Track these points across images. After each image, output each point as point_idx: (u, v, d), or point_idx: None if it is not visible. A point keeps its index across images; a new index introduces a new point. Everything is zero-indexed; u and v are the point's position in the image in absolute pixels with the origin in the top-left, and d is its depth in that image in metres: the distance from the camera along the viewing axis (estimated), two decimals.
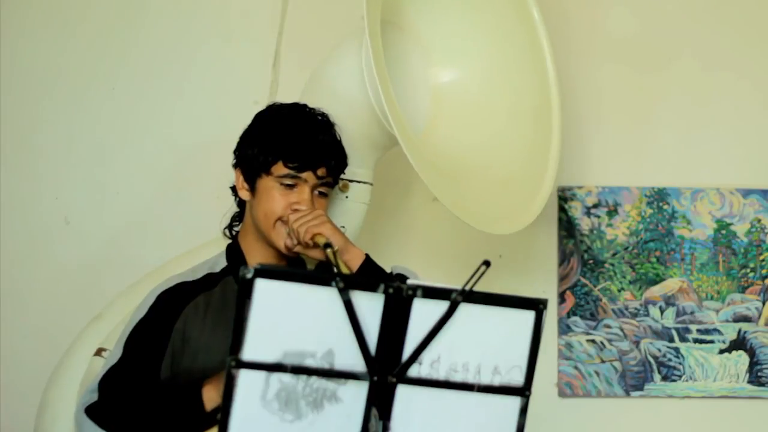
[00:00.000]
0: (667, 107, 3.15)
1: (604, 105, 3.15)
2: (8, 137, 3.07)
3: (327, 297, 1.63)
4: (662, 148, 3.15)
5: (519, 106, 2.65)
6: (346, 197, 2.43)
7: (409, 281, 1.67)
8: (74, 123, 3.09)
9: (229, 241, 2.31)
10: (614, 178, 3.14)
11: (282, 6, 3.09)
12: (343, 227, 2.40)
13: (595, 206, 3.12)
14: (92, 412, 2.10)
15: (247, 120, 2.29)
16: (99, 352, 2.44)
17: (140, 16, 3.11)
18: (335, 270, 2.00)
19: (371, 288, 1.65)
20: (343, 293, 1.63)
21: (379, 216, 2.85)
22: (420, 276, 2.26)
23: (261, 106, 2.33)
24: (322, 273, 1.66)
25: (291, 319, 1.62)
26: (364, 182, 2.46)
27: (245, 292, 1.59)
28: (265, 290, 1.59)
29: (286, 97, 2.36)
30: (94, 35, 3.10)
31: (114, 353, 2.16)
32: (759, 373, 3.09)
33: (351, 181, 2.42)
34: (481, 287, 1.67)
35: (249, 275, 1.59)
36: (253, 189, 2.22)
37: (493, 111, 2.63)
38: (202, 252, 2.39)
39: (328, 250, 2.01)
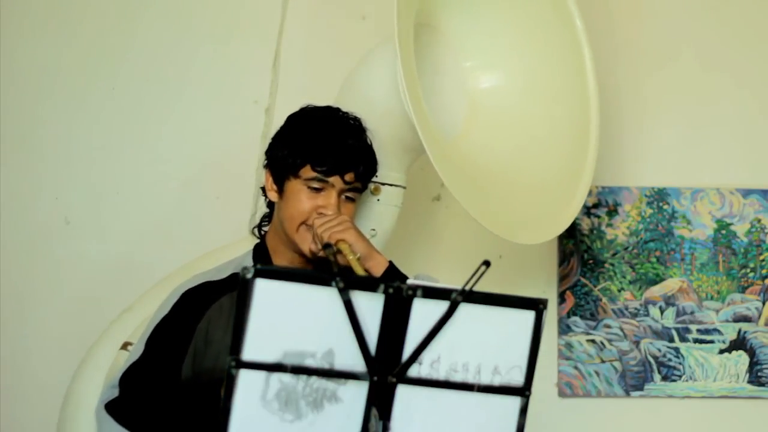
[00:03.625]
0: (668, 107, 3.15)
1: (604, 105, 3.14)
2: (8, 137, 3.07)
3: (327, 297, 1.63)
4: (662, 148, 3.15)
5: (556, 113, 2.63)
6: (378, 200, 2.42)
7: (408, 281, 1.67)
8: (74, 123, 3.09)
9: (257, 240, 2.31)
10: (614, 178, 3.14)
11: (282, 6, 3.09)
12: (374, 230, 2.39)
13: (595, 206, 3.12)
14: (112, 408, 2.10)
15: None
16: (125, 346, 2.43)
17: (140, 16, 3.11)
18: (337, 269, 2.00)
19: (371, 288, 1.65)
20: (343, 293, 1.63)
21: (407, 221, 2.83)
22: (442, 283, 2.26)
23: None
24: (321, 273, 1.66)
25: (291, 319, 1.63)
26: (397, 185, 2.45)
27: (245, 292, 1.59)
28: (265, 290, 1.60)
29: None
30: (94, 35, 3.10)
31: (136, 349, 2.16)
32: (759, 373, 3.09)
33: (383, 184, 2.41)
34: (481, 287, 1.67)
35: (249, 275, 1.59)
36: (281, 191, 2.22)
37: (530, 118, 2.61)
38: (231, 250, 2.38)
39: (329, 251, 2.01)
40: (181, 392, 2.08)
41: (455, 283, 1.68)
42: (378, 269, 2.16)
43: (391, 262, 2.18)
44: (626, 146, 3.15)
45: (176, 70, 3.10)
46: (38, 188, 3.08)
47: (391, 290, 1.65)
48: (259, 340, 1.60)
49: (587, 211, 3.12)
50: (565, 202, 2.56)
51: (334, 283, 1.63)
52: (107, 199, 3.08)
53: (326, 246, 2.03)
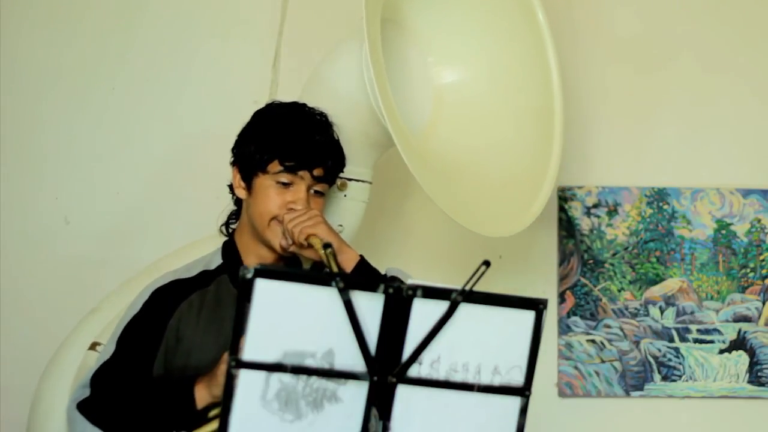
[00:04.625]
0: (667, 107, 3.15)
1: (605, 105, 3.15)
2: (8, 137, 3.07)
3: (327, 297, 1.63)
4: (662, 148, 3.15)
5: (521, 107, 2.64)
6: (345, 196, 2.42)
7: (409, 281, 1.67)
8: (74, 123, 3.09)
9: (225, 238, 2.31)
10: (614, 178, 3.14)
11: (282, 6, 3.09)
12: (341, 226, 2.39)
13: (595, 206, 3.12)
14: (84, 407, 2.10)
15: (246, 120, 2.29)
16: (93, 346, 2.43)
17: (140, 16, 3.11)
18: (329, 270, 2.00)
19: (371, 288, 1.65)
20: (343, 293, 1.63)
21: (378, 216, 2.84)
22: (414, 278, 2.25)
23: (261, 106, 2.33)
24: (322, 273, 1.66)
25: (291, 319, 1.63)
26: (363, 181, 2.46)
27: (245, 292, 1.59)
28: (265, 290, 1.60)
29: (287, 97, 2.36)
30: (94, 35, 3.10)
31: (107, 349, 2.16)
32: (759, 373, 3.09)
33: (349, 179, 2.41)
34: (481, 287, 1.67)
35: (249, 275, 1.59)
36: (249, 187, 2.22)
37: (495, 112, 2.62)
38: (197, 248, 2.38)
39: (328, 251, 2.01)
40: (151, 390, 2.08)
41: (453, 284, 1.68)
42: (349, 263, 2.16)
43: (362, 256, 2.18)
44: (626, 146, 3.15)
45: (176, 70, 3.10)
46: (38, 188, 3.08)
47: (391, 290, 1.65)
48: (259, 340, 1.60)
49: (587, 211, 3.12)
50: (532, 194, 2.57)
51: (334, 283, 1.63)
52: (107, 199, 3.08)
53: (326, 246, 2.03)
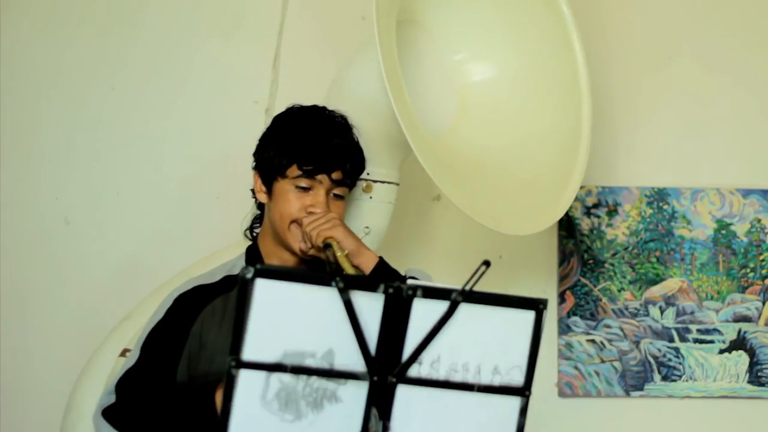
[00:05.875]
0: (667, 107, 3.15)
1: (605, 105, 3.15)
2: (8, 137, 3.07)
3: (327, 297, 1.63)
4: (662, 148, 3.15)
5: (547, 107, 2.63)
6: (370, 198, 2.42)
7: (408, 281, 1.67)
8: (74, 123, 3.09)
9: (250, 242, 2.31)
10: (614, 178, 3.14)
11: (282, 6, 3.09)
12: (367, 228, 2.39)
13: (595, 206, 3.12)
14: (109, 414, 2.10)
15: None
16: (124, 352, 2.44)
17: (140, 16, 3.11)
18: (334, 270, 2.00)
19: (371, 288, 1.65)
20: (343, 293, 1.63)
21: (403, 218, 2.84)
22: (434, 278, 2.25)
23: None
24: (322, 273, 1.66)
25: (291, 319, 1.63)
26: (389, 182, 2.45)
27: (245, 292, 1.59)
28: (265, 290, 1.60)
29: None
30: (94, 35, 3.10)
31: (132, 355, 2.17)
32: (759, 373, 3.09)
33: (374, 181, 2.41)
34: (481, 287, 1.67)
35: (249, 275, 1.59)
36: (270, 192, 2.22)
37: (522, 112, 2.61)
38: (227, 254, 2.38)
39: (328, 251, 2.01)
40: (174, 396, 2.08)
41: (455, 284, 1.68)
42: (368, 265, 2.16)
43: (381, 258, 2.18)
44: (626, 146, 3.15)
45: (176, 70, 3.10)
46: (38, 188, 3.08)
47: (391, 290, 1.65)
48: (259, 340, 1.60)
49: (587, 211, 3.12)
50: (556, 196, 2.56)
51: (334, 283, 1.63)
52: (107, 199, 3.08)
53: (326, 246, 2.03)
